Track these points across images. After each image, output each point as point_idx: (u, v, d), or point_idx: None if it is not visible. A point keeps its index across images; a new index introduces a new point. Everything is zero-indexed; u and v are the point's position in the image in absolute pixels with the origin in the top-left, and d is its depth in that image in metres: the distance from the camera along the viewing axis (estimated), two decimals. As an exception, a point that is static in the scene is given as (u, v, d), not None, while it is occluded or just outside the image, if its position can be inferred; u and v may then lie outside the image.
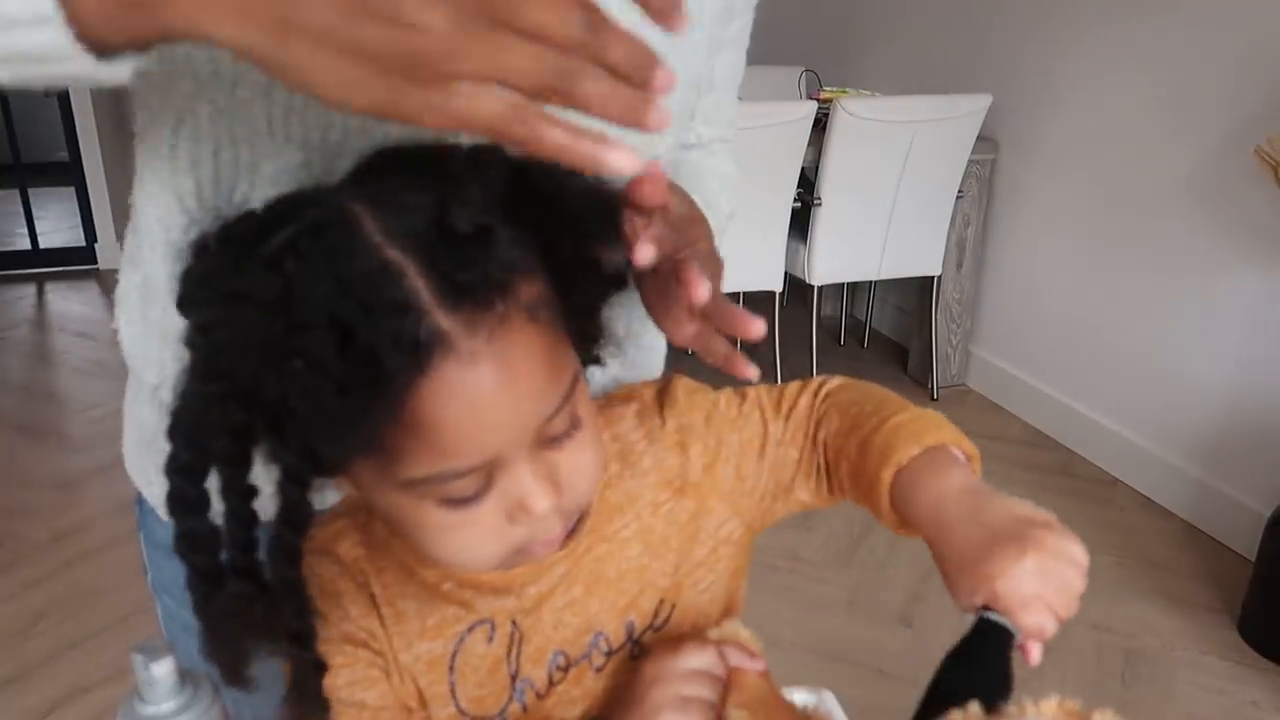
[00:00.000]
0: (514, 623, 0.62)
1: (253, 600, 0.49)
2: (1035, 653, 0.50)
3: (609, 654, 0.64)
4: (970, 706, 0.46)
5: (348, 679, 0.59)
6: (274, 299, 0.44)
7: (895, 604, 2.12)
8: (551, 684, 0.63)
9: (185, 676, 0.52)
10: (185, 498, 0.47)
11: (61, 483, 2.55)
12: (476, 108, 0.36)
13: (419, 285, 0.45)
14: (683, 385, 0.66)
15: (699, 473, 0.65)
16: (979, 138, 2.82)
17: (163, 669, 0.49)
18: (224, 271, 0.46)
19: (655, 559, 0.64)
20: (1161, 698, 1.85)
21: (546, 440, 0.51)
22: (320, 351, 0.43)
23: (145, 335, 0.68)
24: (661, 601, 0.65)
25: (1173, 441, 2.51)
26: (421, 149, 0.51)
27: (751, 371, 0.60)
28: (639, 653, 0.65)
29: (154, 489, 0.71)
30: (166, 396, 0.51)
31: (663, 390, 0.66)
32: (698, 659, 0.59)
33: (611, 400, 0.67)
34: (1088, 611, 2.15)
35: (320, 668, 0.53)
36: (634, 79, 0.37)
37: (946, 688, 0.48)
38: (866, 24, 3.65)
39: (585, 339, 0.58)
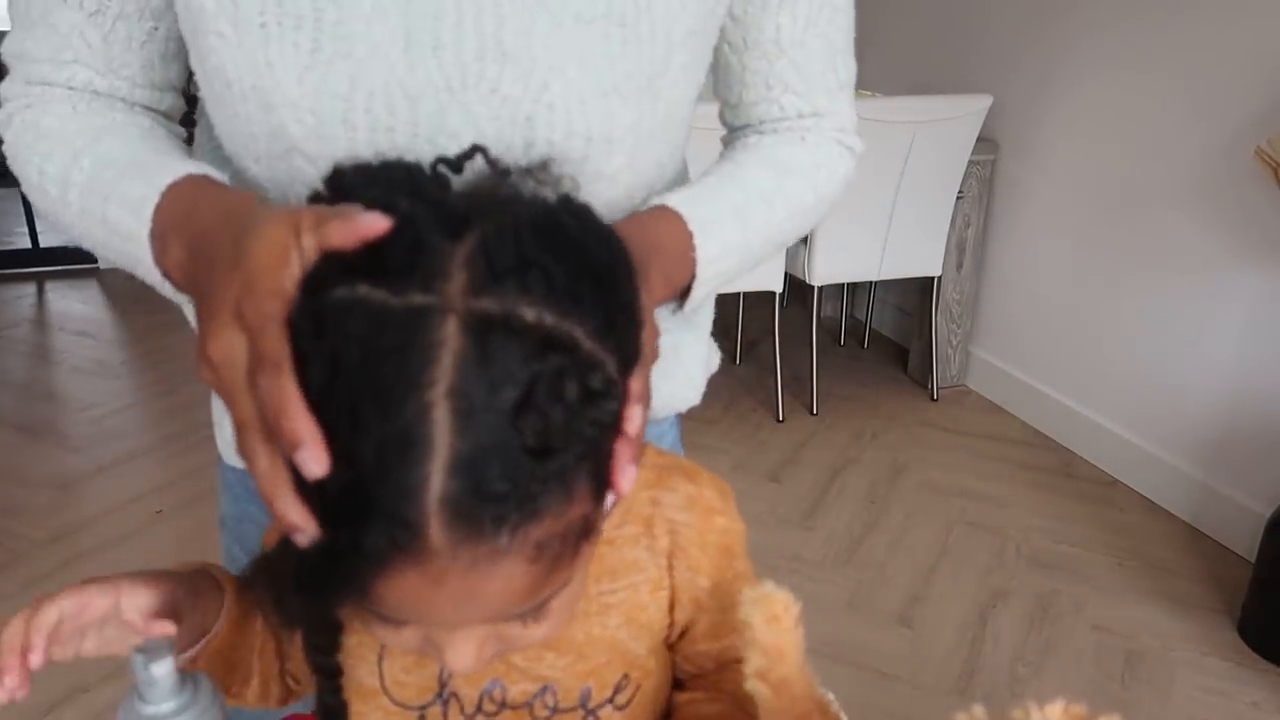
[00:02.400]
0: None
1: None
2: None
3: (555, 710, 0.60)
4: (974, 708, 0.46)
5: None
6: (335, 401, 0.40)
7: (895, 604, 2.12)
8: (481, 710, 0.60)
9: (185, 676, 0.51)
10: None
11: (60, 482, 2.55)
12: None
13: (435, 482, 0.38)
14: (741, 535, 0.63)
15: (687, 595, 0.62)
16: (979, 138, 2.82)
17: (163, 669, 0.49)
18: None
19: (634, 637, 0.61)
20: (1161, 699, 1.85)
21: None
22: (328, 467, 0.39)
23: None
24: (626, 677, 0.61)
25: (1173, 442, 2.51)
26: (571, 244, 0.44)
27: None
28: None
29: (224, 437, 0.78)
30: None
31: (722, 509, 0.62)
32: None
33: (676, 469, 0.62)
34: (1088, 612, 2.15)
35: (335, 674, 0.54)
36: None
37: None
38: (866, 24, 3.64)
39: None
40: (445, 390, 0.38)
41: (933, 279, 3.04)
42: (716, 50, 0.71)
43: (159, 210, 0.55)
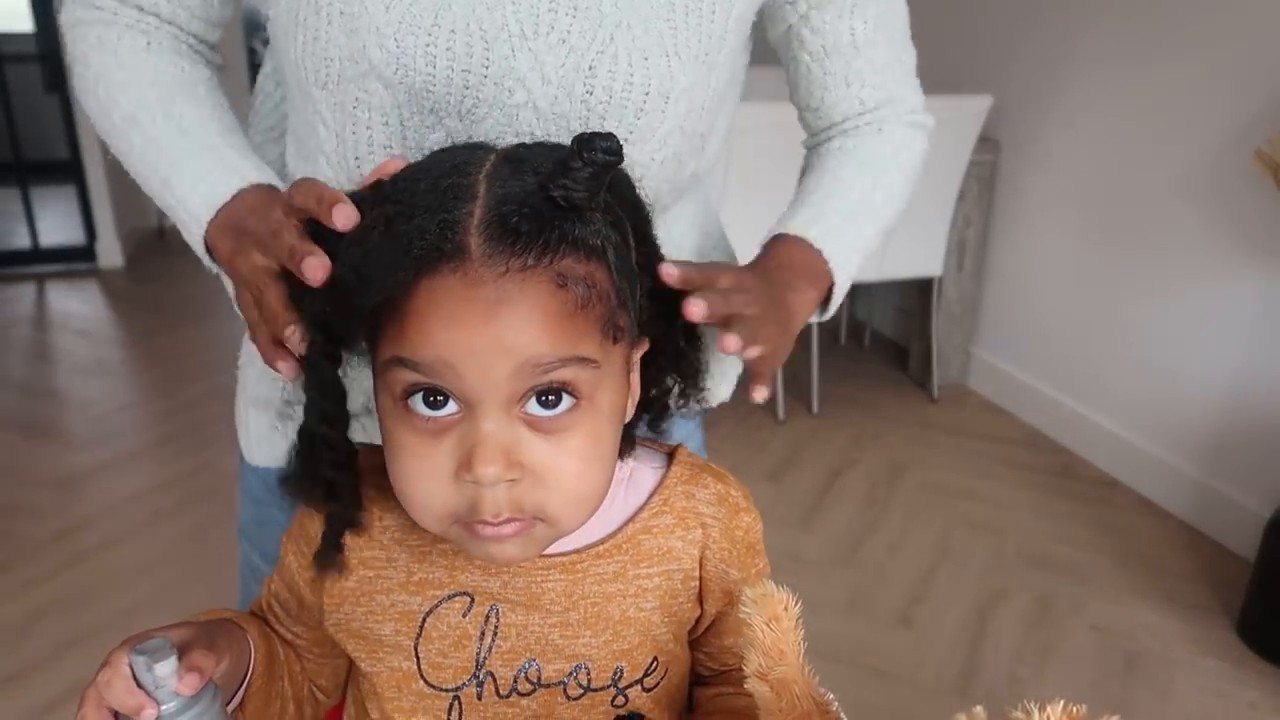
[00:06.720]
0: (495, 609, 0.61)
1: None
2: None
3: (588, 689, 0.62)
4: (974, 709, 0.46)
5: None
6: (396, 193, 0.53)
7: (895, 604, 2.12)
8: (516, 690, 0.62)
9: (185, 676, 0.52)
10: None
11: (61, 481, 2.55)
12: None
13: (476, 210, 0.49)
14: (761, 534, 0.68)
15: (719, 586, 0.65)
16: (980, 138, 2.82)
17: (164, 669, 0.49)
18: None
19: (664, 623, 0.63)
20: (1160, 699, 1.85)
21: (527, 415, 0.51)
22: (380, 221, 0.51)
23: None
24: (655, 660, 0.64)
25: (1172, 442, 2.51)
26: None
27: (760, 394, 0.68)
28: (623, 702, 0.63)
29: (249, 436, 0.82)
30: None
31: (747, 508, 0.67)
32: None
33: (707, 469, 0.67)
34: (1087, 612, 2.15)
35: (349, 521, 0.59)
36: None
37: None
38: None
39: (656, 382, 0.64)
40: (484, 174, 0.51)
41: (933, 279, 3.04)
42: (796, 61, 0.80)
43: (225, 207, 0.66)
